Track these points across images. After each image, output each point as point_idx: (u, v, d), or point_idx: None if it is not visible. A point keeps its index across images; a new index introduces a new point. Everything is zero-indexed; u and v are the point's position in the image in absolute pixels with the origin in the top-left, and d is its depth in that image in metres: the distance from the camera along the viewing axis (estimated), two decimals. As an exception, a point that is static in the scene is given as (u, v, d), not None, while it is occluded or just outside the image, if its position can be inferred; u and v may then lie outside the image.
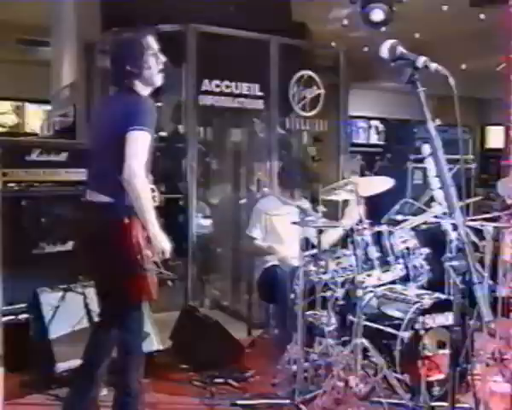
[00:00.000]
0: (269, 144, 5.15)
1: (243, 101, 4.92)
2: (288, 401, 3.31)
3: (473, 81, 7.94)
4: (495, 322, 3.69)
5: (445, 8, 6.73)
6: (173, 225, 5.84)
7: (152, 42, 2.74)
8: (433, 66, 1.62)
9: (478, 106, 13.11)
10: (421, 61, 1.65)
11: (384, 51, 1.74)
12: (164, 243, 2.65)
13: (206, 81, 4.77)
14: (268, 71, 5.02)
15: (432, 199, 3.98)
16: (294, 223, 3.49)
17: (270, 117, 5.13)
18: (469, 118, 12.88)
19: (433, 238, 3.67)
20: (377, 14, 4.82)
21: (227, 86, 4.85)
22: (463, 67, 9.13)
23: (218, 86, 4.82)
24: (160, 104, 5.09)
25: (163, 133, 5.42)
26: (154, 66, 2.72)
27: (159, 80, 2.76)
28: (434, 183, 3.16)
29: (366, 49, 8.25)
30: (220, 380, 3.69)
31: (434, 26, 7.45)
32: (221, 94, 4.84)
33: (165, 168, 5.25)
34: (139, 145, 2.53)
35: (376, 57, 1.83)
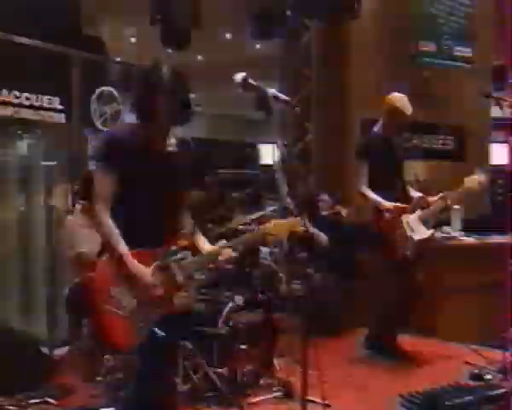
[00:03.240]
0: (71, 159, 5.09)
1: (44, 114, 4.79)
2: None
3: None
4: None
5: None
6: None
7: None
8: (282, 96, 1.97)
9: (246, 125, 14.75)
10: (271, 92, 1.98)
11: (237, 81, 2.04)
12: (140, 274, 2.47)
13: (5, 91, 4.55)
14: (69, 85, 4.98)
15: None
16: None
17: (71, 131, 5.08)
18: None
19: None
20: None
21: (27, 98, 4.68)
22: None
23: (17, 97, 4.62)
24: None
25: None
26: None
27: None
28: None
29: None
30: (37, 400, 3.60)
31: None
32: (21, 106, 4.64)
33: None
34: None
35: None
